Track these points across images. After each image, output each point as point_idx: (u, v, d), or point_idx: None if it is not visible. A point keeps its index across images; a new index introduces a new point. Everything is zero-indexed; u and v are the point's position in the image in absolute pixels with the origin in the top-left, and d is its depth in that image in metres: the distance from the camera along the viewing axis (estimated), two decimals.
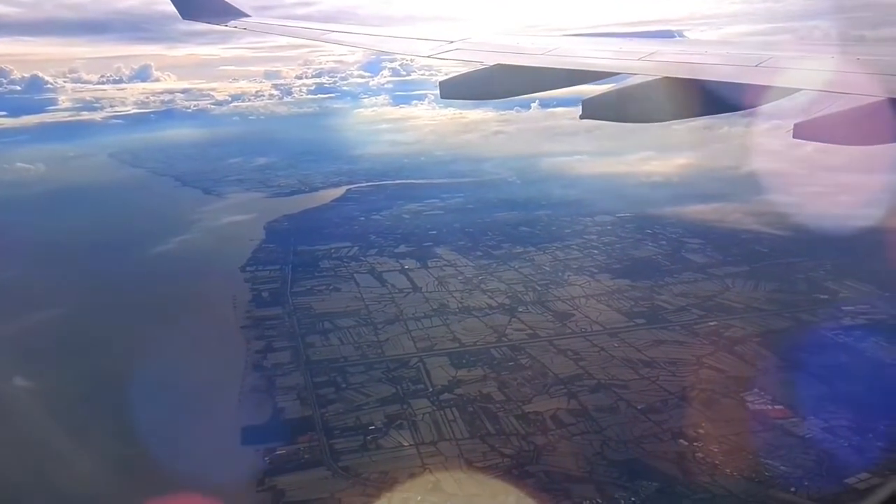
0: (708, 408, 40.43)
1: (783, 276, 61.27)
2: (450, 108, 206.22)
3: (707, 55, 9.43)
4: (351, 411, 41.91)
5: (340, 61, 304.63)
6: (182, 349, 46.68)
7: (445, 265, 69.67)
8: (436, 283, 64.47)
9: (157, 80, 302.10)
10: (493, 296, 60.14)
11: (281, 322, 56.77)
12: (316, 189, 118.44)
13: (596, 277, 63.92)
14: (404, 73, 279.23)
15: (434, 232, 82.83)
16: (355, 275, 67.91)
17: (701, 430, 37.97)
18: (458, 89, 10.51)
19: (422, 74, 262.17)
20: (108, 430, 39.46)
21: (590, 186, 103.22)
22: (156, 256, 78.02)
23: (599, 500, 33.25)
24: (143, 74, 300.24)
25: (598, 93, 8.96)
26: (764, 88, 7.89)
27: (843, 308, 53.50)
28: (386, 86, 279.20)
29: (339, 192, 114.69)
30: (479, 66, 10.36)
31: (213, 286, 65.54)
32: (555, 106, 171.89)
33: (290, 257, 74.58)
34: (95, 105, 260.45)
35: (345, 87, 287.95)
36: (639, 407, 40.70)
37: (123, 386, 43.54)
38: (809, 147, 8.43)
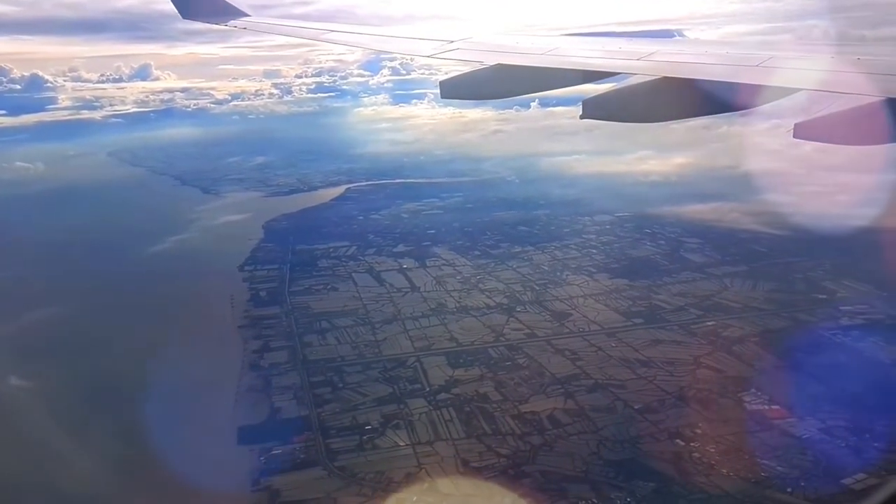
0: (705, 408, 40.42)
1: (781, 276, 61.31)
2: (449, 108, 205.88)
3: (706, 55, 9.43)
4: (347, 411, 41.83)
5: (340, 60, 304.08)
6: (179, 348, 46.58)
7: (444, 264, 69.64)
8: (434, 282, 64.43)
9: (157, 79, 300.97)
10: (492, 295, 60.13)
11: (278, 321, 56.67)
12: (315, 188, 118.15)
13: (594, 277, 63.94)
14: (404, 72, 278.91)
15: (433, 231, 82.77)
16: (353, 274, 67.84)
17: (698, 430, 37.95)
18: (459, 89, 10.53)
19: (421, 74, 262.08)
20: (105, 430, 39.38)
21: (589, 186, 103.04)
22: (154, 255, 77.80)
23: (595, 500, 33.22)
24: (142, 73, 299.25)
25: (597, 93, 8.98)
26: (763, 88, 7.89)
27: (842, 308, 53.53)
28: (386, 85, 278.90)
29: (338, 191, 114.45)
30: (479, 66, 10.36)
31: (211, 285, 65.48)
32: (554, 105, 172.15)
33: (288, 256, 74.44)
34: (95, 104, 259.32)
35: (344, 87, 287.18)
36: (636, 407, 40.71)
37: (121, 385, 43.63)
38: (808, 147, 8.41)
